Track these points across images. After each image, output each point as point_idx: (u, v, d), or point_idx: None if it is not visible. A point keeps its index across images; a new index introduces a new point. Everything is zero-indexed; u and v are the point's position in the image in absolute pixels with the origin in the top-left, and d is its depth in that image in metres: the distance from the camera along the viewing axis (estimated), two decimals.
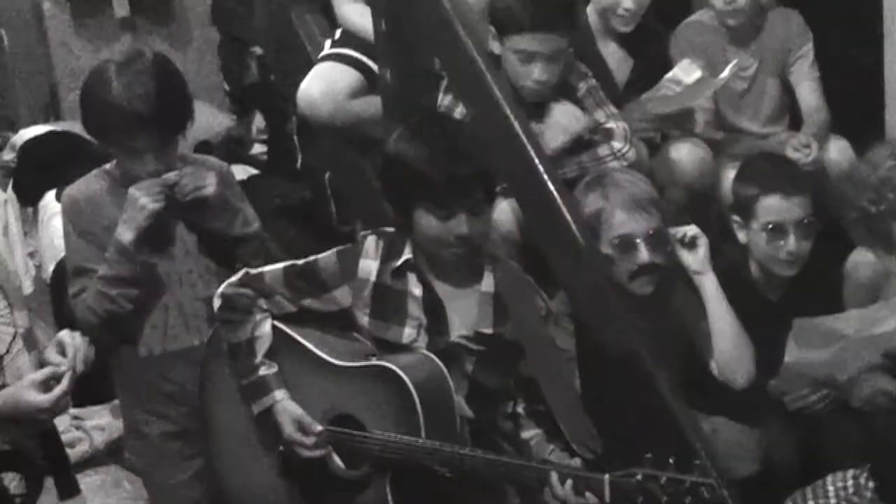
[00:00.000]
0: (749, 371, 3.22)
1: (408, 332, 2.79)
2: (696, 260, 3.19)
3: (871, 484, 2.81)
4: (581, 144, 3.50)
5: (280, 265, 2.89)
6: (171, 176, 2.95)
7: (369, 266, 2.81)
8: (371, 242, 2.83)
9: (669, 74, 3.83)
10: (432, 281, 2.81)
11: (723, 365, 3.22)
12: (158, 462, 3.14)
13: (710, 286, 3.19)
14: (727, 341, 3.20)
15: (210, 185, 2.99)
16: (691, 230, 3.20)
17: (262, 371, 2.84)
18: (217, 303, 2.90)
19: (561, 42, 3.43)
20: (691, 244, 3.19)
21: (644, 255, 3.15)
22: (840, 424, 3.30)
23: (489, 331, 2.81)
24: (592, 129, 3.52)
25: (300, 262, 2.88)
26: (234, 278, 2.90)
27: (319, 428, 2.79)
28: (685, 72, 3.83)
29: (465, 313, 2.81)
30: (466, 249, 2.75)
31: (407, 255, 2.80)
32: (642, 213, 3.16)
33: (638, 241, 3.15)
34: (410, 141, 2.76)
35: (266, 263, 3.02)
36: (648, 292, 3.18)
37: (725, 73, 3.88)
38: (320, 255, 2.87)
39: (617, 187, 3.19)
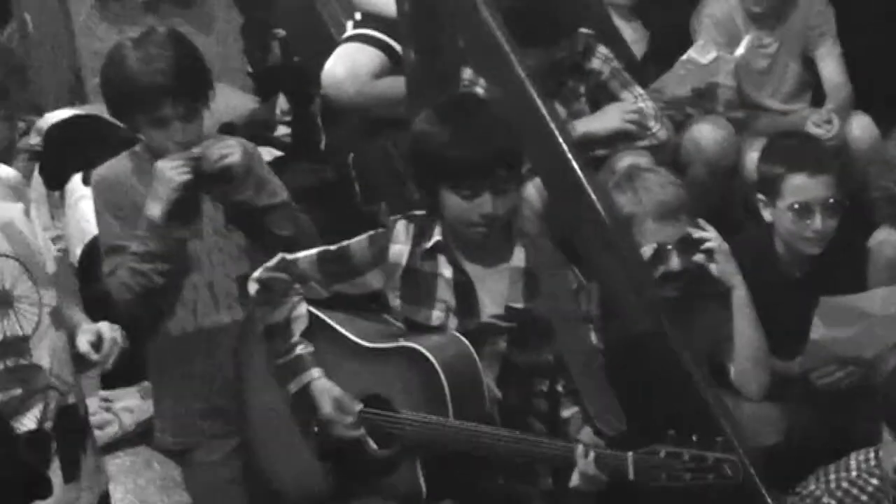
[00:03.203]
0: (763, 385, 3.22)
1: (437, 315, 2.80)
2: (726, 272, 3.14)
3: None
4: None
5: (314, 251, 2.90)
6: (196, 149, 2.99)
7: (400, 250, 2.83)
8: (401, 227, 2.85)
9: (685, 56, 3.82)
10: (462, 262, 2.82)
11: (739, 374, 3.21)
12: (193, 441, 3.16)
13: (738, 299, 3.16)
14: (747, 355, 3.19)
15: (235, 154, 3.01)
16: (709, 242, 3.14)
17: (299, 350, 2.85)
18: (253, 287, 2.91)
19: (545, 55, 3.48)
20: (710, 254, 3.14)
21: (675, 262, 3.14)
22: (865, 401, 3.31)
23: (520, 305, 2.81)
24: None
25: (333, 247, 2.89)
26: (269, 263, 2.91)
27: (359, 406, 2.79)
28: (700, 53, 3.82)
29: (496, 293, 2.82)
30: (493, 228, 2.76)
31: (437, 236, 2.81)
32: (673, 221, 3.15)
33: (669, 247, 3.15)
34: (434, 123, 2.77)
35: (296, 231, 3.05)
36: (674, 295, 3.17)
37: (742, 49, 3.87)
38: (352, 240, 2.88)
39: (648, 191, 3.17)
